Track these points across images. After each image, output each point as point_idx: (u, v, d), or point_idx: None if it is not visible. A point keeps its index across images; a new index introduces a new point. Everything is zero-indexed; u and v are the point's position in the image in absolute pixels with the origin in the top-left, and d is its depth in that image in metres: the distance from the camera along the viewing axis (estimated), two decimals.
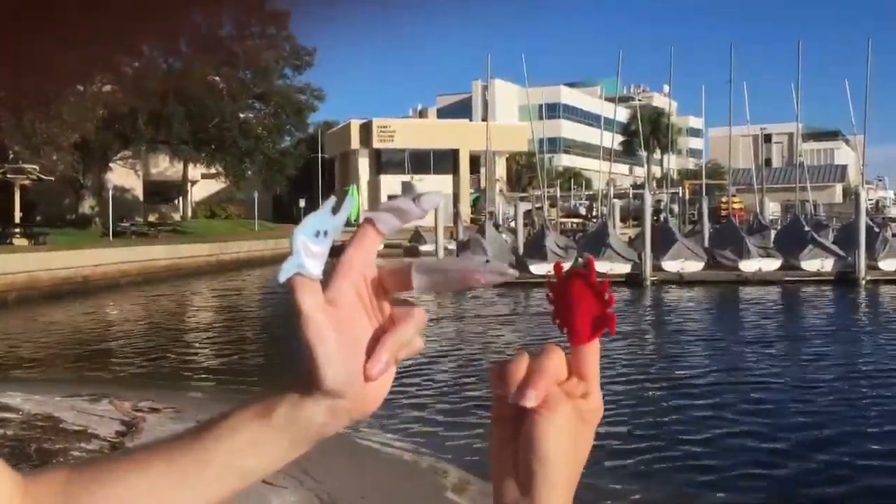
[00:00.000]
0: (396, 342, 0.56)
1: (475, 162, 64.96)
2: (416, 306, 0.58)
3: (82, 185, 40.79)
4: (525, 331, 17.62)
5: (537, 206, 43.82)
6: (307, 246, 0.52)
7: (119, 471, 0.57)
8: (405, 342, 0.57)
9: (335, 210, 0.54)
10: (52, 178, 35.54)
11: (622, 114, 61.88)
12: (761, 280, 25.66)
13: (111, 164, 42.58)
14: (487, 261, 0.56)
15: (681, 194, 53.08)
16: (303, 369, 0.55)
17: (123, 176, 45.90)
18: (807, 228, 28.22)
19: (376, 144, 64.19)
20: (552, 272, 0.59)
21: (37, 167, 33.22)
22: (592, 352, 0.57)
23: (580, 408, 0.57)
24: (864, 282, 24.67)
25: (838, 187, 78.26)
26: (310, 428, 0.56)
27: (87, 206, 40.46)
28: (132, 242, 34.52)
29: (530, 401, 0.55)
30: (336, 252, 0.54)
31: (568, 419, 0.56)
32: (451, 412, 9.96)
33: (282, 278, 0.52)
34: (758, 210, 39.97)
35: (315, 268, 0.53)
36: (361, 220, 0.58)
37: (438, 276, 0.56)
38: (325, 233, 0.53)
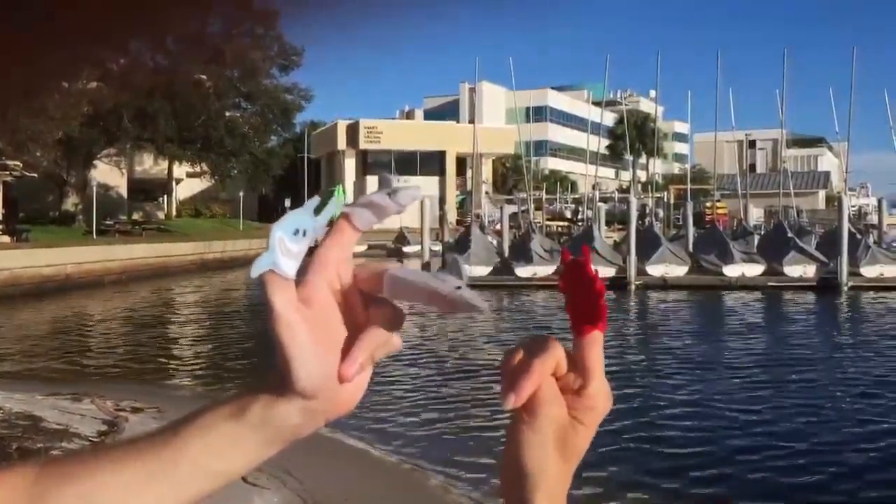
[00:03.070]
0: (372, 342, 0.54)
1: (462, 164, 65.00)
2: (394, 305, 0.56)
3: (66, 182, 40.51)
4: (510, 332, 17.65)
5: (523, 208, 43.90)
6: (284, 243, 0.51)
7: (90, 468, 0.55)
8: (382, 342, 0.55)
9: (317, 210, 0.53)
10: (36, 175, 35.25)
11: (609, 118, 62.10)
12: (745, 285, 25.78)
13: (95, 162, 42.28)
14: (459, 287, 0.53)
15: (666, 199, 53.40)
16: (276, 369, 0.53)
17: (108, 173, 45.60)
18: (790, 234, 28.39)
19: (363, 145, 64.11)
20: (561, 264, 0.57)
21: (20, 163, 32.94)
22: (590, 342, 0.55)
23: (574, 407, 0.55)
24: (846, 288, 24.84)
25: (821, 194, 78.82)
26: (283, 428, 0.54)
27: (71, 203, 40.18)
28: (116, 241, 34.30)
29: (508, 404, 0.54)
30: (312, 250, 0.53)
31: (553, 424, 0.55)
32: (433, 414, 9.97)
33: (254, 273, 0.50)
34: (742, 215, 40.22)
35: (289, 267, 0.51)
36: (336, 216, 0.56)
37: (409, 289, 0.54)
38: (304, 232, 0.52)
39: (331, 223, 0.56)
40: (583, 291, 0.55)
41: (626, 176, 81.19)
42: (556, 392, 0.56)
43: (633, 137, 62.63)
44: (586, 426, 0.56)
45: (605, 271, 26.15)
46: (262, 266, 0.50)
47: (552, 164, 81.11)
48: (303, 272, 0.53)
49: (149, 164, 51.23)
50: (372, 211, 0.55)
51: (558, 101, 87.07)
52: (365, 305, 0.56)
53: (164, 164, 50.06)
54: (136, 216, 47.54)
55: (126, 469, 0.55)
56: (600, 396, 0.56)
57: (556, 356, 0.56)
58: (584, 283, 0.55)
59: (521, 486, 0.55)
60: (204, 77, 38.48)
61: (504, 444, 0.58)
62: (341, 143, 64.72)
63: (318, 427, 0.56)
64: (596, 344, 0.56)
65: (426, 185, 59.21)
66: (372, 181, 61.49)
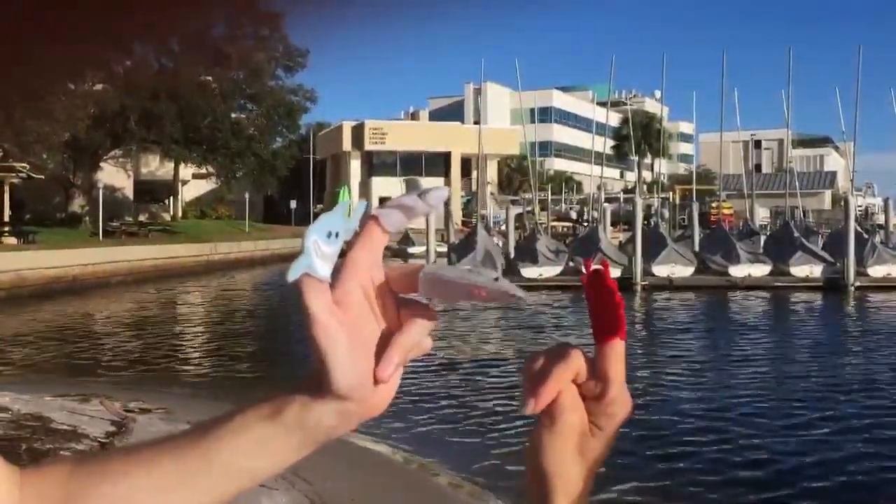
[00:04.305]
0: (407, 343, 0.55)
1: (466, 165, 64.99)
2: (425, 306, 0.57)
3: (72, 184, 40.62)
4: (517, 336, 17.67)
5: (528, 209, 43.88)
6: (318, 246, 0.51)
7: (125, 467, 0.56)
8: (415, 343, 0.56)
9: (348, 213, 0.53)
10: (42, 177, 35.37)
11: (614, 118, 62.08)
12: (751, 285, 25.74)
13: (102, 164, 42.39)
14: (497, 278, 0.54)
15: (671, 199, 53.32)
16: (312, 371, 0.54)
17: (114, 175, 45.69)
18: (796, 234, 28.33)
19: (368, 146, 64.15)
20: (585, 270, 0.59)
21: (27, 165, 33.05)
22: (610, 351, 0.57)
23: (593, 414, 0.57)
24: (852, 288, 24.79)
25: (827, 194, 78.62)
26: (318, 430, 0.55)
27: (77, 205, 40.27)
28: (122, 242, 34.40)
29: (527, 409, 0.56)
30: (342, 253, 0.54)
31: (572, 429, 0.56)
32: (442, 414, 9.97)
33: (290, 277, 0.51)
34: (748, 216, 40.15)
35: (324, 269, 0.51)
36: (364, 218, 0.56)
37: (445, 285, 0.55)
38: (337, 234, 0.52)
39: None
40: (603, 301, 0.57)
41: (631, 176, 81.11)
42: (576, 399, 0.57)
43: (637, 138, 62.53)
44: (605, 432, 0.58)
45: (611, 272, 26.03)
46: (298, 269, 0.51)
47: (557, 164, 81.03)
48: (335, 275, 0.53)
49: (155, 166, 51.33)
50: (402, 212, 0.55)
51: (563, 101, 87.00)
52: (396, 307, 0.56)
53: (170, 166, 50.15)
54: (142, 217, 47.64)
55: (159, 470, 0.55)
56: (619, 404, 0.58)
57: (576, 364, 0.57)
58: (605, 293, 0.57)
59: (542, 490, 0.57)
60: (209, 79, 38.56)
61: (526, 450, 0.59)
62: (346, 144, 64.77)
63: (351, 428, 0.56)
64: (616, 353, 0.57)
65: (431, 185, 59.09)
66: (377, 182, 61.60)
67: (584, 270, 0.60)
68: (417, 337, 0.56)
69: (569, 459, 0.57)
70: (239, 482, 0.56)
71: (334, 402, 0.54)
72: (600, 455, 0.58)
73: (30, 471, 0.57)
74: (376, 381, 0.54)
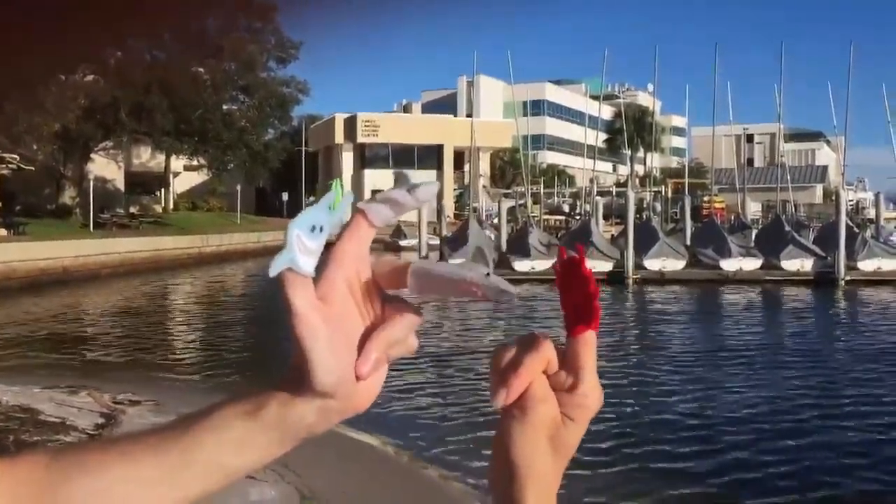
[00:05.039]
0: (387, 340, 0.54)
1: (459, 158, 64.94)
2: (410, 304, 0.55)
3: (63, 176, 40.40)
4: (507, 328, 17.68)
5: (521, 202, 43.91)
6: (301, 241, 0.50)
7: (104, 459, 0.55)
8: (397, 340, 0.55)
9: (332, 206, 0.52)
10: (33, 168, 35.17)
11: (606, 112, 62.06)
12: (742, 279, 25.81)
13: (92, 155, 42.17)
14: (488, 274, 0.53)
15: (663, 193, 53.43)
16: (292, 366, 0.53)
17: (105, 167, 45.47)
18: (787, 228, 28.41)
19: (360, 139, 64.01)
20: (558, 261, 0.58)
21: (17, 156, 32.85)
22: (583, 342, 0.56)
23: (565, 405, 0.56)
24: (843, 282, 24.89)
25: (819, 188, 78.90)
26: (299, 427, 0.54)
27: (68, 196, 40.08)
28: (113, 234, 34.26)
29: (498, 401, 0.54)
30: (328, 247, 0.53)
31: (544, 421, 0.55)
32: (432, 408, 9.98)
33: (272, 272, 0.50)
34: (739, 209, 40.25)
35: (307, 264, 0.50)
36: (351, 212, 0.55)
37: (436, 281, 0.54)
38: (321, 228, 0.51)
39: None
40: (577, 291, 0.55)
41: (623, 170, 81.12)
42: (547, 390, 0.56)
43: (630, 131, 62.52)
44: (577, 423, 0.56)
45: (603, 265, 26.14)
46: (280, 264, 0.49)
47: (550, 158, 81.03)
48: (320, 269, 0.52)
49: (146, 158, 51.11)
50: (389, 206, 0.54)
51: (556, 95, 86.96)
52: (382, 303, 0.55)
53: (161, 158, 49.93)
54: (133, 209, 47.42)
55: (140, 464, 0.54)
56: (592, 394, 0.57)
57: (546, 354, 0.56)
58: (579, 282, 0.55)
59: (512, 484, 0.55)
60: (202, 70, 38.36)
61: (493, 442, 0.57)
62: (339, 136, 64.61)
63: (332, 425, 0.55)
64: (589, 344, 0.56)
65: (423, 179, 59.10)
66: (369, 175, 61.51)
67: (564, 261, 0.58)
68: (400, 334, 0.54)
69: (541, 451, 0.55)
70: (220, 478, 0.55)
71: (316, 399, 0.53)
72: (572, 446, 0.57)
73: (5, 461, 0.56)
74: (357, 378, 0.53)
